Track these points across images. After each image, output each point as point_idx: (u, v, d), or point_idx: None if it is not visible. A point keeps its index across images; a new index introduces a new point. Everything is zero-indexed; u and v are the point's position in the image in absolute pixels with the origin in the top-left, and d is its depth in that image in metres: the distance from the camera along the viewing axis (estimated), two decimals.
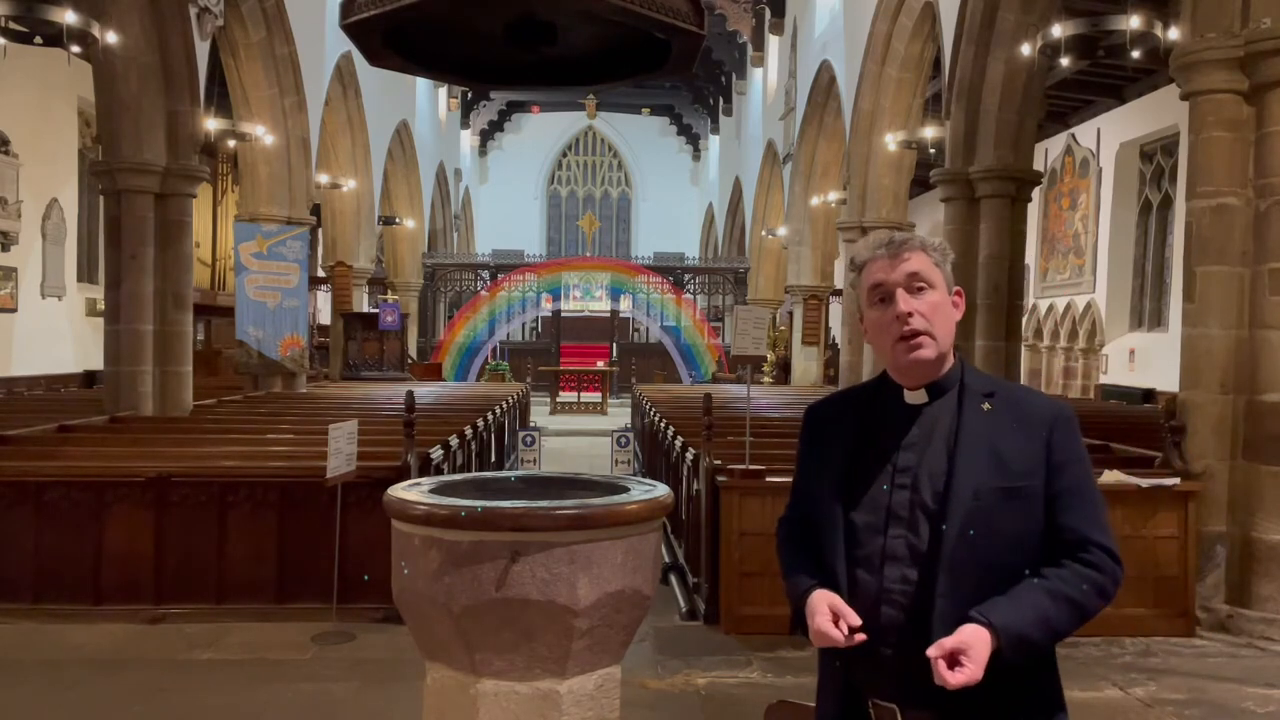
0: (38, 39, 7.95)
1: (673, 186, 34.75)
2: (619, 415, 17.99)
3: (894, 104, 12.98)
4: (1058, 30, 8.23)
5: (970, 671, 1.59)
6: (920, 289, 1.76)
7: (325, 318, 19.56)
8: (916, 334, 1.75)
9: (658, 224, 34.06)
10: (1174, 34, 6.95)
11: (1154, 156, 15.24)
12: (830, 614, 1.73)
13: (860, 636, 1.71)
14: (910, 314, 1.74)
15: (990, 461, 1.72)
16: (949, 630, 1.65)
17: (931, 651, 1.60)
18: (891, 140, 12.45)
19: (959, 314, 1.81)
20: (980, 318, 9.05)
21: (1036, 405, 1.79)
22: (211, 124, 10.86)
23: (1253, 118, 5.71)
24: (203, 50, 9.38)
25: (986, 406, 1.76)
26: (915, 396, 1.81)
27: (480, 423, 8.85)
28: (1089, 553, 1.71)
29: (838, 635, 1.70)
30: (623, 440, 10.24)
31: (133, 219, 8.82)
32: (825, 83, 15.91)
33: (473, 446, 8.29)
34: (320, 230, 18.16)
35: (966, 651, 1.60)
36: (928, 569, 1.71)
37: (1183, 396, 5.99)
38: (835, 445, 1.86)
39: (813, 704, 2.05)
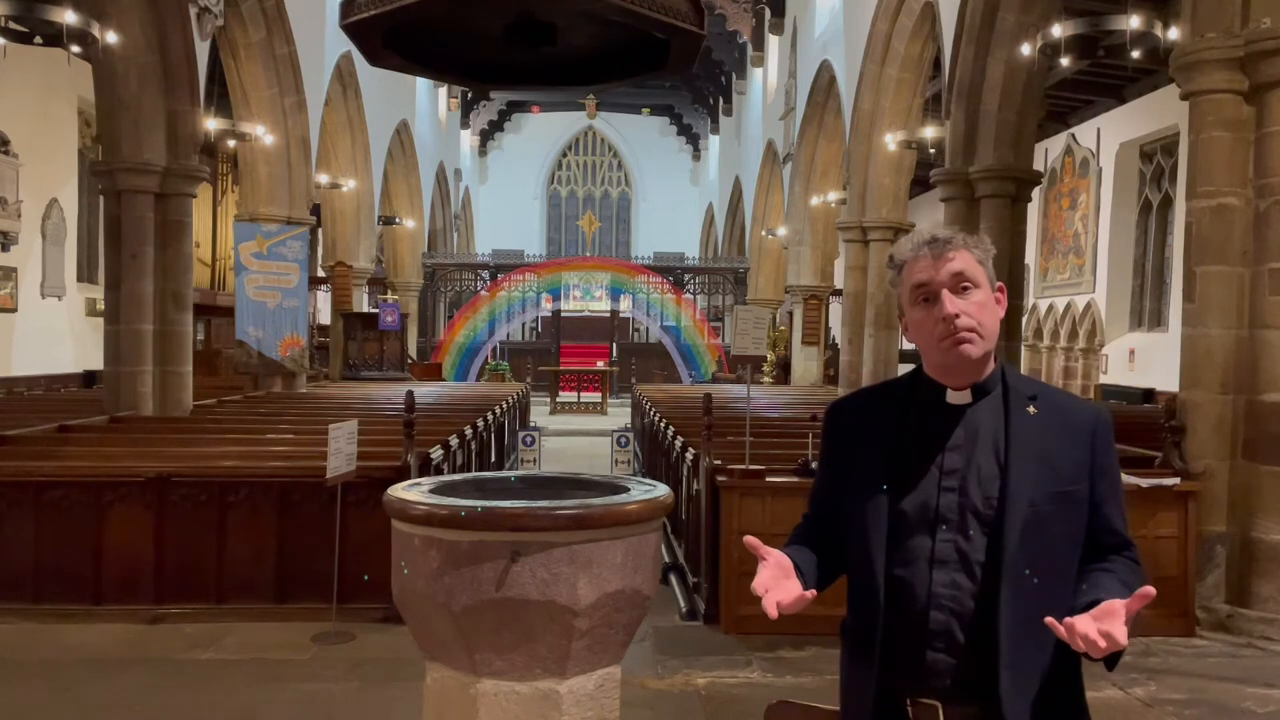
0: (38, 39, 7.95)
1: (673, 186, 34.74)
2: (619, 415, 17.99)
3: (894, 104, 12.98)
4: (1058, 30, 8.23)
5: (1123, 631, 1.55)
6: (965, 288, 1.73)
7: (325, 318, 19.55)
8: (960, 335, 1.71)
9: (658, 224, 34.05)
10: (1174, 34, 6.95)
11: (1154, 156, 15.24)
12: (776, 573, 1.70)
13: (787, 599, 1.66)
14: (957, 315, 1.71)
15: (1042, 467, 1.71)
16: (1016, 638, 1.66)
17: (1084, 623, 1.54)
18: (891, 140, 12.44)
19: (1002, 310, 1.78)
20: None
21: (1079, 409, 1.81)
22: (211, 124, 10.85)
23: (1253, 118, 5.71)
24: (203, 50, 9.38)
25: (1032, 410, 1.75)
26: (959, 397, 1.77)
27: (480, 423, 8.85)
28: (1130, 550, 1.78)
29: (770, 605, 1.64)
30: (623, 440, 10.24)
31: (133, 219, 8.81)
32: (825, 83, 15.91)
33: (473, 446, 8.29)
34: (320, 230, 18.16)
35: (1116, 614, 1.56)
36: (985, 575, 1.70)
37: (1183, 396, 5.99)
38: (872, 443, 1.81)
39: (813, 704, 2.04)
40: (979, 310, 1.72)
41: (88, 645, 5.14)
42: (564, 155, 35.86)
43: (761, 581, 1.68)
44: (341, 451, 5.32)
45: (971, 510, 1.71)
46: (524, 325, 26.67)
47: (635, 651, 4.33)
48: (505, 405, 11.18)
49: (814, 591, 1.71)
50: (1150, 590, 1.55)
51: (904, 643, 1.74)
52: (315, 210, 14.51)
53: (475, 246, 30.62)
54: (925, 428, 1.78)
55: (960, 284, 1.72)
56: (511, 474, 3.62)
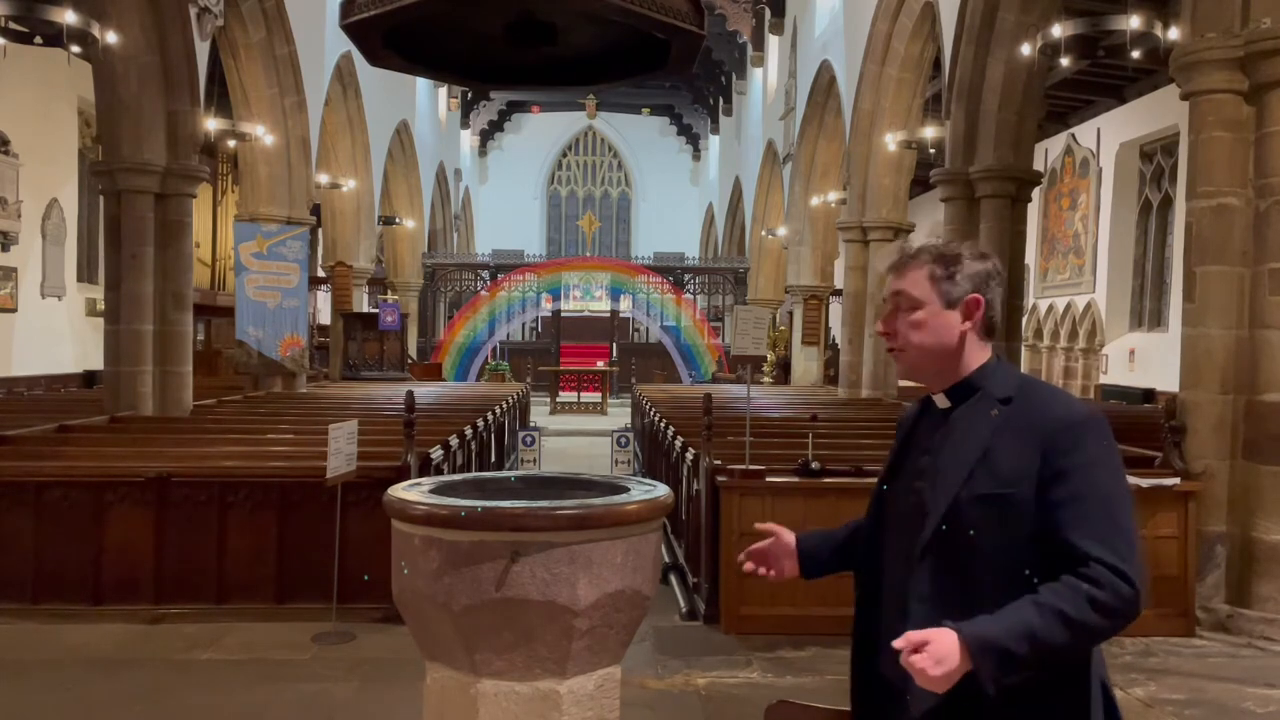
0: (38, 39, 7.95)
1: (673, 186, 34.74)
2: (619, 415, 17.99)
3: (894, 104, 12.97)
4: (1058, 30, 8.23)
5: (926, 661, 1.53)
6: (903, 309, 1.83)
7: (325, 318, 19.55)
8: (892, 349, 1.86)
9: (658, 224, 34.05)
10: (1174, 34, 6.95)
11: (1154, 156, 15.24)
12: (772, 547, 2.05)
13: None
14: (884, 333, 1.86)
15: (980, 468, 1.71)
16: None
17: (898, 643, 1.57)
18: (891, 140, 12.44)
19: (968, 325, 1.81)
20: None
21: (1047, 412, 1.73)
22: (211, 124, 10.85)
23: (1253, 118, 5.71)
24: (203, 50, 9.38)
25: (995, 413, 1.76)
26: (940, 401, 1.86)
27: (480, 423, 8.84)
28: (1088, 566, 1.61)
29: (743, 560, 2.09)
30: (623, 440, 10.24)
31: (133, 219, 8.81)
32: (825, 83, 15.91)
33: (473, 446, 8.29)
34: (320, 230, 18.16)
35: (928, 644, 1.55)
36: (915, 565, 1.76)
37: (1183, 396, 5.99)
38: (893, 448, 1.96)
39: (813, 704, 2.07)
40: (910, 328, 1.82)
41: (88, 645, 5.14)
42: (564, 155, 35.86)
43: (750, 550, 2.09)
44: (341, 451, 5.32)
45: (922, 510, 1.78)
46: (524, 325, 26.67)
47: (635, 651, 4.33)
48: (505, 405, 11.18)
49: (790, 575, 2.05)
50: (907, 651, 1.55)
51: (875, 634, 1.85)
52: (315, 210, 14.51)
53: (475, 246, 30.62)
54: (918, 432, 1.90)
55: (899, 303, 1.84)
56: (511, 474, 3.62)
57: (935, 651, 1.54)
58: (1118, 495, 1.68)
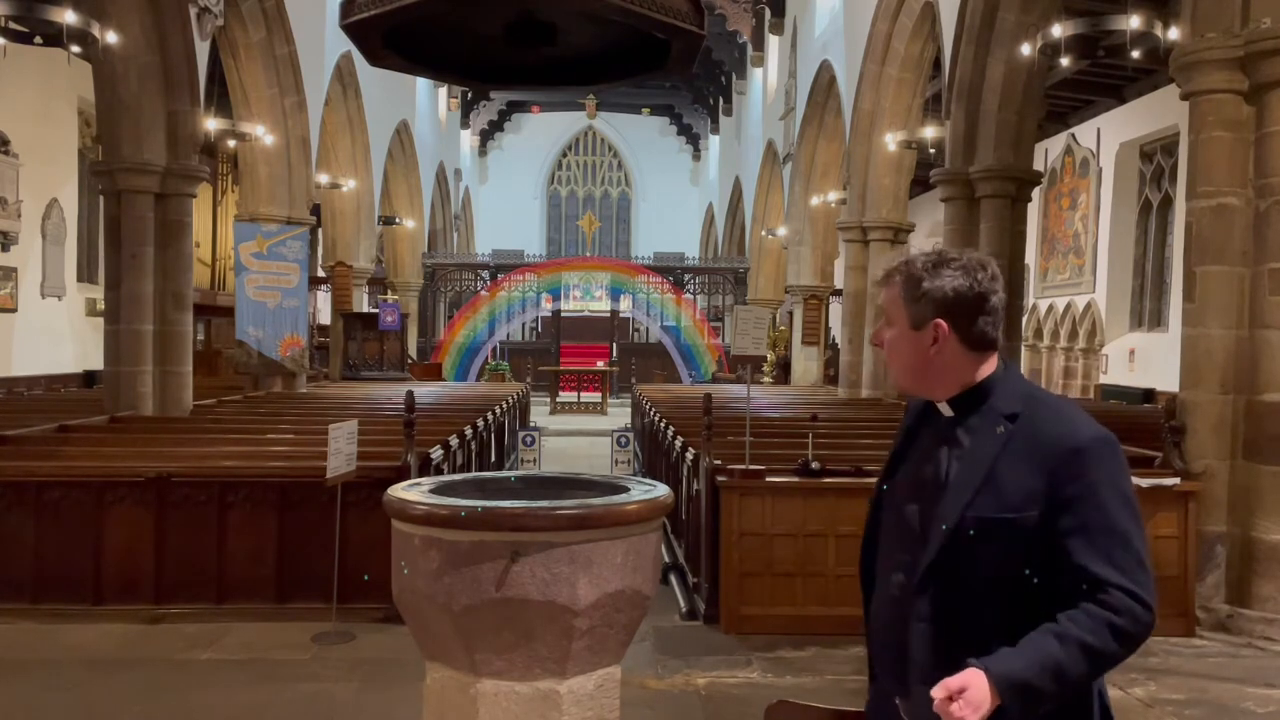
0: (38, 39, 7.95)
1: (673, 186, 34.74)
2: (619, 415, 17.98)
3: (894, 104, 12.96)
4: (1058, 30, 8.23)
5: (966, 710, 1.53)
6: (886, 323, 1.84)
7: (325, 318, 19.55)
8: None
9: (658, 224, 34.05)
10: (1174, 34, 6.95)
11: (1154, 156, 15.24)
12: None
13: None
14: (874, 343, 1.89)
15: (985, 491, 1.67)
16: (926, 653, 1.68)
17: (936, 691, 1.56)
18: (891, 140, 12.43)
19: (935, 347, 1.76)
20: None
21: (1055, 434, 1.68)
22: (211, 124, 10.85)
23: (1253, 118, 5.71)
24: (203, 50, 9.38)
25: (1000, 430, 1.71)
26: (944, 409, 1.81)
27: (480, 423, 8.84)
28: (1106, 594, 1.60)
29: None
30: (623, 440, 10.24)
31: (133, 219, 8.81)
32: (825, 83, 15.90)
33: (473, 446, 8.29)
34: (320, 230, 18.16)
35: (965, 691, 1.54)
36: (915, 587, 1.73)
37: (1183, 396, 5.99)
38: (895, 444, 1.93)
39: (813, 704, 2.07)
40: (887, 346, 1.84)
41: (88, 645, 5.14)
42: (564, 155, 35.86)
43: None
44: (341, 451, 5.32)
45: (925, 521, 1.75)
46: (524, 325, 26.66)
47: (635, 651, 4.33)
48: (505, 405, 11.18)
49: None
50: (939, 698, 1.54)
51: (874, 641, 1.85)
52: (315, 210, 14.51)
53: (475, 246, 30.62)
54: (921, 438, 1.86)
55: (885, 317, 1.85)
56: (511, 474, 3.62)
57: (973, 699, 1.53)
58: (1129, 519, 1.65)
